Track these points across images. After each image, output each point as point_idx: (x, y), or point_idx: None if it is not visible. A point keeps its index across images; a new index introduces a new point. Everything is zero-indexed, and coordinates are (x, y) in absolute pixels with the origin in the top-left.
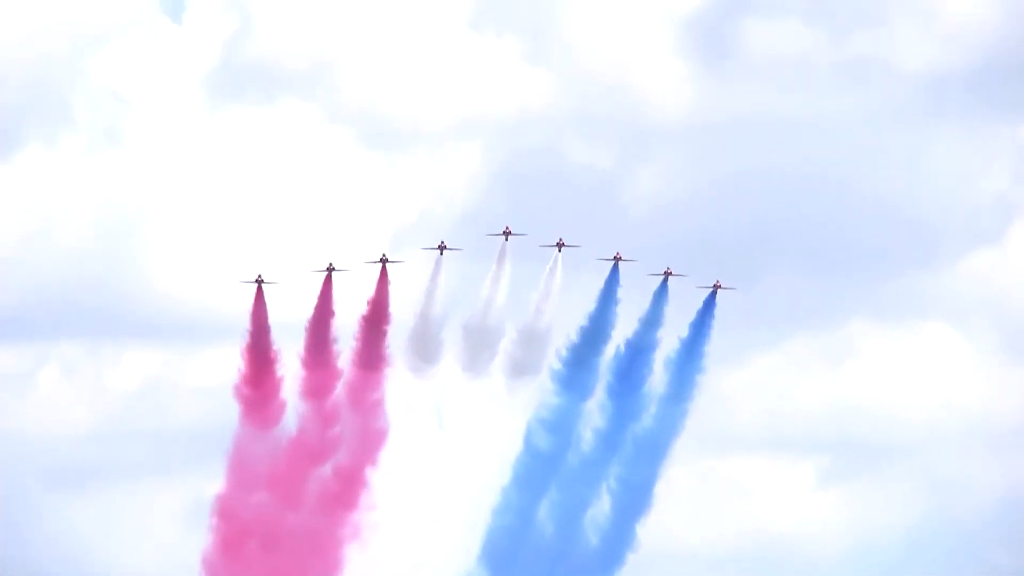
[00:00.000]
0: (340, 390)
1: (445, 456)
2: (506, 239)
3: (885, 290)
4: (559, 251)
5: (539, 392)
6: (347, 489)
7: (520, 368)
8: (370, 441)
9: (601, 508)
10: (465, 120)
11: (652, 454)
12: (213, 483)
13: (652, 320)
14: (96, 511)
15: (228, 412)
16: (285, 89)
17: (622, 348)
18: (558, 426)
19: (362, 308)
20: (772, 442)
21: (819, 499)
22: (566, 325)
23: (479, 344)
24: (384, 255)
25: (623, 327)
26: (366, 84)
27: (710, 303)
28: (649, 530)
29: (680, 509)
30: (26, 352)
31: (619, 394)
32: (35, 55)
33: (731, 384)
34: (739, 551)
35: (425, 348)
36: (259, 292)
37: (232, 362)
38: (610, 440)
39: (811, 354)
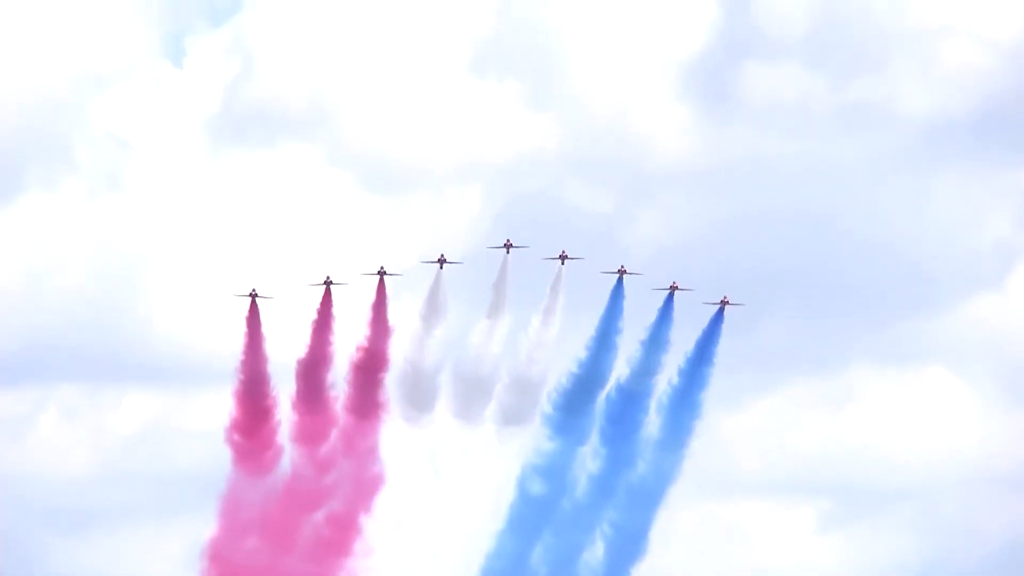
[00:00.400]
0: (335, 436)
1: (439, 502)
2: (507, 251)
3: (886, 334)
4: (562, 263)
5: (533, 437)
6: (341, 535)
7: (512, 417)
8: (365, 488)
9: (595, 553)
10: (466, 164)
11: (647, 500)
12: (210, 527)
13: (653, 347)
14: (94, 553)
15: (228, 455)
16: (286, 132)
17: (614, 394)
18: (552, 471)
19: (359, 338)
20: (772, 486)
21: (820, 543)
22: (564, 360)
23: (471, 392)
24: (383, 268)
25: (627, 345)
26: (367, 127)
27: (717, 320)
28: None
29: (678, 554)
30: (26, 395)
31: (613, 439)
32: (36, 98)
33: (731, 427)
34: None
35: (418, 396)
36: (253, 318)
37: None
38: (604, 485)
39: (812, 397)
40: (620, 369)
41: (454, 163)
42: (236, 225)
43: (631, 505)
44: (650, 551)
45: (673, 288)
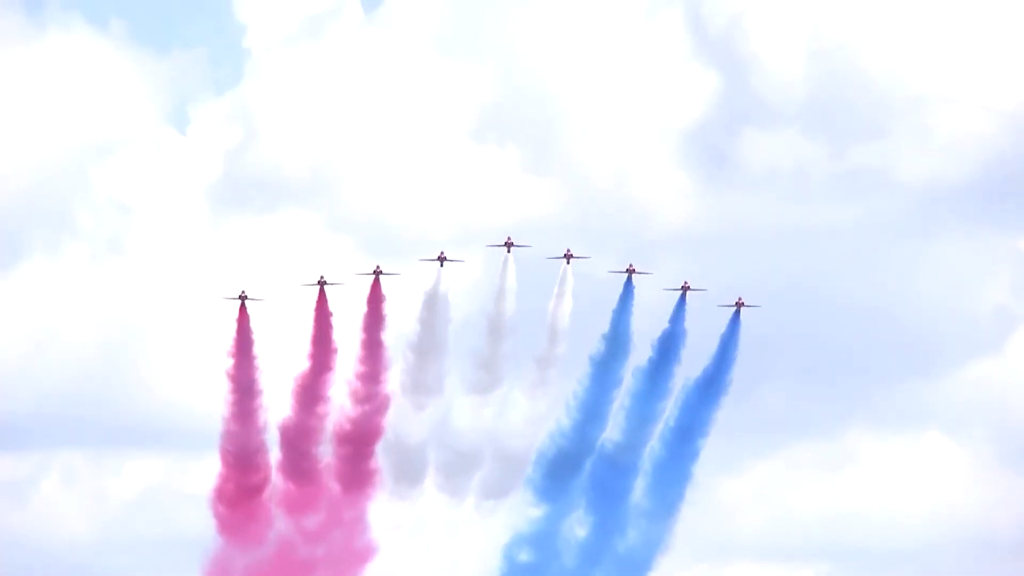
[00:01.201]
0: (323, 507)
1: (429, 572)
2: (508, 251)
3: (884, 398)
4: (568, 263)
5: (520, 505)
6: None
7: (493, 491)
8: (354, 558)
9: None
10: (467, 230)
11: (635, 569)
12: None
13: (641, 419)
14: None
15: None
16: (287, 198)
17: (600, 461)
18: (539, 540)
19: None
20: (772, 549)
21: None
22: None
23: (456, 466)
24: (378, 267)
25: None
26: (367, 193)
27: (734, 323)
28: None
29: None
30: (27, 460)
31: (600, 507)
32: (40, 164)
33: (729, 491)
34: None
35: (407, 471)
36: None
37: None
38: (591, 554)
39: (810, 461)
40: (609, 434)
41: (455, 229)
42: (237, 289)
43: (619, 574)
44: None
45: (685, 288)
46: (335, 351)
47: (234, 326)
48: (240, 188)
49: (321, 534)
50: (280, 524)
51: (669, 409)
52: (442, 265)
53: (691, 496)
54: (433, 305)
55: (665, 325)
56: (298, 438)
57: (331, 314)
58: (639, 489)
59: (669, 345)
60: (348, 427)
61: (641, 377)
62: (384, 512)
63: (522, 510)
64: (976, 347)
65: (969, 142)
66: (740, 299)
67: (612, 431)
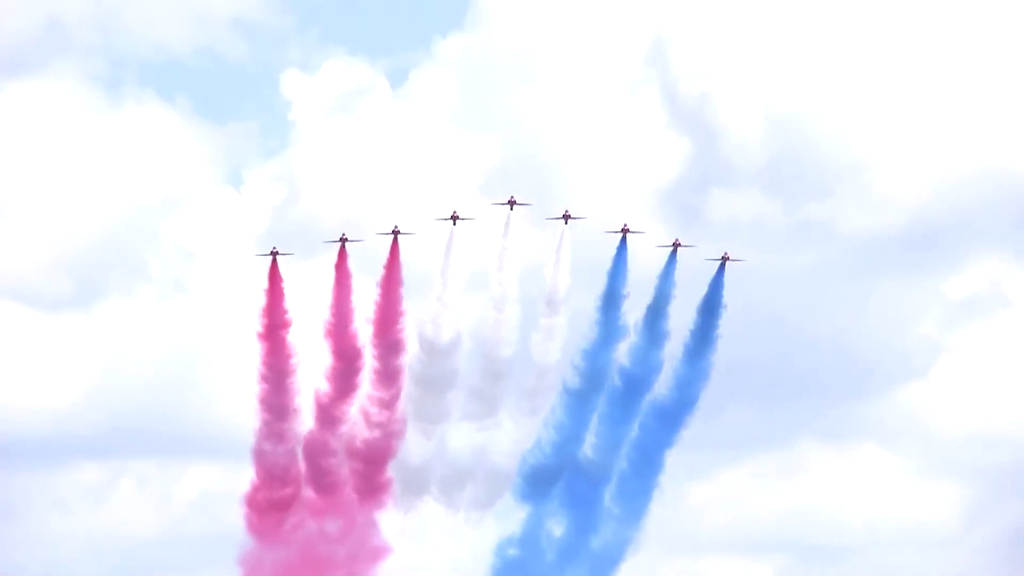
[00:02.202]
0: (341, 515)
1: (432, 570)
2: (511, 208)
3: (831, 416)
4: (566, 223)
5: (508, 509)
6: None
7: (481, 503)
8: (370, 556)
9: None
10: (473, 276)
11: (605, 565)
12: None
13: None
14: None
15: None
16: (324, 246)
17: (577, 471)
18: (524, 541)
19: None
20: (735, 544)
21: None
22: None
23: (452, 481)
24: (396, 226)
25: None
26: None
27: (718, 278)
28: None
29: None
30: (106, 468)
31: (575, 509)
32: (117, 217)
33: (699, 494)
34: None
35: (411, 487)
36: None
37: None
38: (567, 552)
39: (769, 469)
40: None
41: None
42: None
43: (593, 568)
44: None
45: (676, 245)
46: (358, 385)
47: (262, 349)
48: (285, 237)
49: (340, 537)
50: (306, 527)
51: (636, 429)
52: (455, 223)
53: (660, 500)
54: (443, 348)
55: (634, 353)
56: (321, 454)
57: (357, 334)
58: (608, 496)
59: (636, 378)
60: (362, 447)
61: (611, 404)
62: (392, 519)
63: (511, 513)
64: (907, 373)
65: (902, 200)
66: (726, 253)
67: (587, 447)
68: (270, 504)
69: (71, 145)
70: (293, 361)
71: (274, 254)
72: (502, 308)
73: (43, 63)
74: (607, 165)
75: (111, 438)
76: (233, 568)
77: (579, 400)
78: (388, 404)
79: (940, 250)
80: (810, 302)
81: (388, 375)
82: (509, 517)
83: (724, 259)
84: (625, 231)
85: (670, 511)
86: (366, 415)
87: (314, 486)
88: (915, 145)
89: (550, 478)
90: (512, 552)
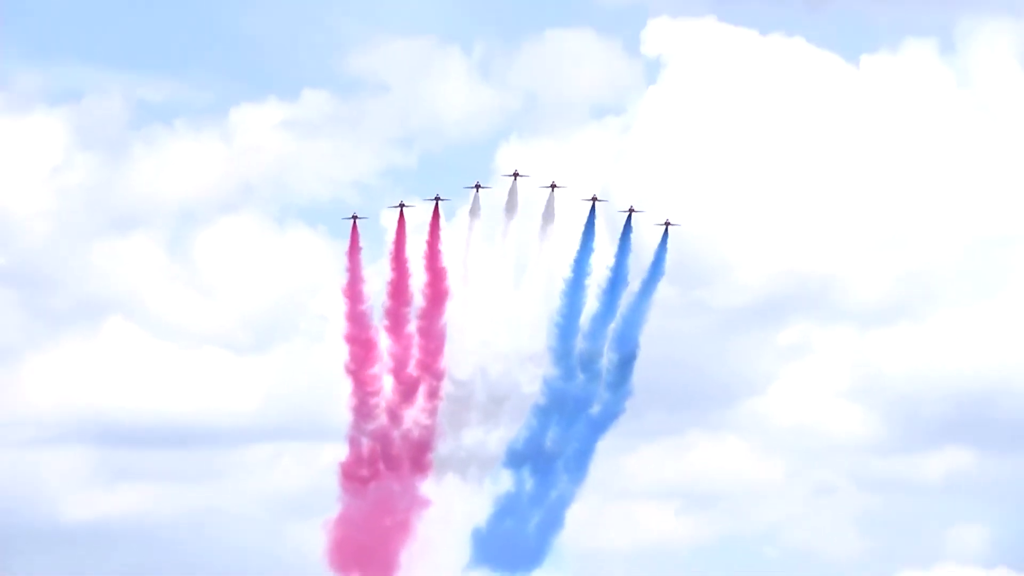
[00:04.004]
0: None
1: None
2: (515, 180)
3: (709, 416)
4: (552, 191)
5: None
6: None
7: (479, 479)
8: (416, 507)
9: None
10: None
11: (559, 508)
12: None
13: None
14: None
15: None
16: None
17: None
18: (511, 496)
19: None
20: (648, 493)
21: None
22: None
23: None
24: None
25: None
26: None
27: (662, 247)
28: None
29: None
30: (271, 448)
31: (539, 473)
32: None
33: (628, 462)
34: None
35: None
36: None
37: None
38: (535, 500)
39: (668, 448)
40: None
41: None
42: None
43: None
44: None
45: (631, 212)
46: (416, 400)
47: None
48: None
49: (400, 493)
50: (380, 487)
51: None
52: (478, 191)
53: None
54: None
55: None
56: (390, 443)
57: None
58: (561, 464)
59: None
60: (416, 438)
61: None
62: (430, 485)
63: (503, 484)
64: (751, 391)
65: (755, 285)
66: (668, 220)
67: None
68: (357, 476)
69: None
70: (380, 380)
71: None
72: None
73: None
74: None
75: (274, 430)
76: (337, 505)
77: (545, 414)
78: (430, 413)
79: (774, 315)
80: (700, 349)
81: (431, 395)
82: (499, 482)
83: (667, 224)
84: None
85: (604, 473)
86: (416, 420)
87: (384, 463)
88: (765, 248)
89: (526, 457)
90: (504, 501)
